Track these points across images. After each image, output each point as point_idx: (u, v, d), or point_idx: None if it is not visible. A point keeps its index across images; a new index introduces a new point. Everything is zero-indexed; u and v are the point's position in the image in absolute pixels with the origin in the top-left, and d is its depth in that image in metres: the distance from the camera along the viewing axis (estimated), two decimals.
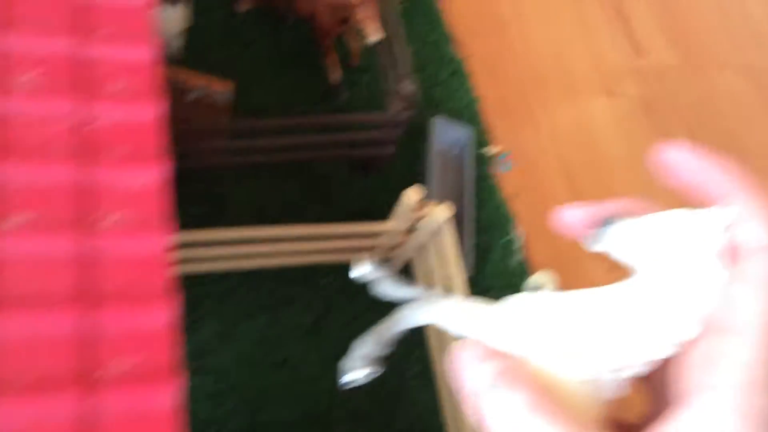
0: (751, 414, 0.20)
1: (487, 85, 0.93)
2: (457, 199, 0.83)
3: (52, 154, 0.37)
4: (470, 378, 0.22)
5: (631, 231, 0.24)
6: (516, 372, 0.22)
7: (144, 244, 0.37)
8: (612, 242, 0.25)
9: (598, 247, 0.25)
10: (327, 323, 0.73)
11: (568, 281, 0.84)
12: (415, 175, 0.84)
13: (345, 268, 0.73)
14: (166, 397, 0.35)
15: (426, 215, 0.66)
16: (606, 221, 0.25)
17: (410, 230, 0.70)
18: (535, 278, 0.69)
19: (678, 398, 0.21)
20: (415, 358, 0.74)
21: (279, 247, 0.71)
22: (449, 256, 0.65)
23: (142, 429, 0.34)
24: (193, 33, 0.79)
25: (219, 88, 0.61)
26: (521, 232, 0.85)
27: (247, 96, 0.81)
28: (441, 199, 0.83)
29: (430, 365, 0.73)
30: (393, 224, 0.67)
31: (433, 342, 0.73)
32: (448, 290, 0.67)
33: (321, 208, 0.79)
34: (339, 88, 0.84)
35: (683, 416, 0.20)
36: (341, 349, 0.28)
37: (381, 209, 0.81)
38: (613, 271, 0.89)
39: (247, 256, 0.71)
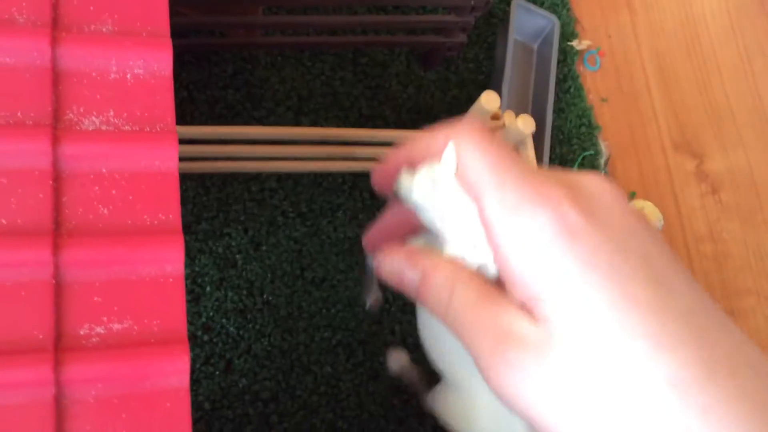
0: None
1: None
2: (535, 103, 0.70)
3: (8, 24, 0.26)
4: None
5: (417, 181, 0.28)
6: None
7: (139, 157, 0.26)
8: (409, 192, 0.28)
9: (404, 198, 0.29)
10: None
11: (657, 204, 0.72)
12: (484, 70, 0.71)
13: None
14: (172, 373, 0.25)
15: (503, 127, 0.53)
16: (402, 173, 0.29)
17: None
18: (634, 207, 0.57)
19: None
20: None
21: (322, 150, 0.60)
22: None
23: (133, 410, 0.24)
24: None
25: None
26: (607, 145, 0.72)
27: None
28: (515, 101, 0.70)
29: None
30: None
31: None
32: None
33: (372, 103, 0.67)
34: None
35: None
36: None
37: (442, 108, 0.69)
38: (707, 195, 0.72)
39: (285, 158, 0.61)
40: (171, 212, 0.26)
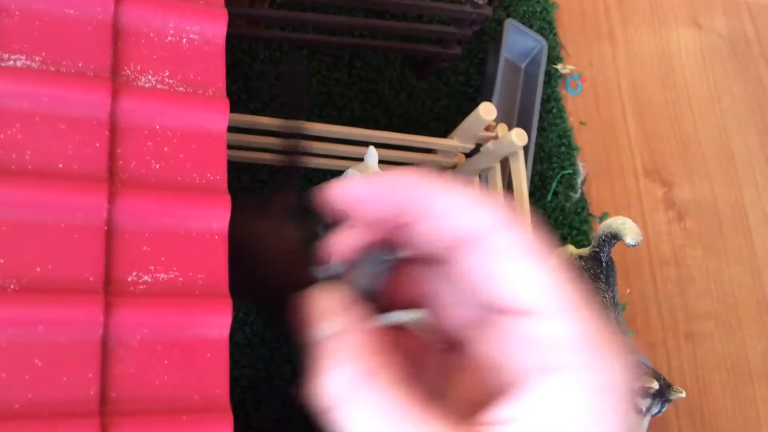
0: (599, 390, 0.20)
1: None
2: (520, 119, 0.73)
3: None
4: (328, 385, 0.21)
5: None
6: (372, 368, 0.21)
7: (191, 118, 0.27)
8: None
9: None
10: None
11: None
12: (473, 84, 0.73)
13: None
14: (214, 325, 0.26)
15: (496, 138, 0.56)
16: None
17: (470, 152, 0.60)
18: (616, 222, 0.59)
19: (511, 381, 0.21)
20: None
21: (315, 145, 0.61)
22: (517, 189, 0.56)
23: (175, 357, 0.25)
24: None
25: None
26: (584, 166, 0.75)
27: None
28: (501, 116, 0.73)
29: None
30: (456, 142, 0.58)
31: None
32: None
33: (365, 105, 0.69)
34: None
35: (530, 397, 0.20)
36: None
37: (432, 116, 0.71)
38: (674, 222, 0.77)
39: (278, 150, 0.61)
40: (218, 173, 0.27)
